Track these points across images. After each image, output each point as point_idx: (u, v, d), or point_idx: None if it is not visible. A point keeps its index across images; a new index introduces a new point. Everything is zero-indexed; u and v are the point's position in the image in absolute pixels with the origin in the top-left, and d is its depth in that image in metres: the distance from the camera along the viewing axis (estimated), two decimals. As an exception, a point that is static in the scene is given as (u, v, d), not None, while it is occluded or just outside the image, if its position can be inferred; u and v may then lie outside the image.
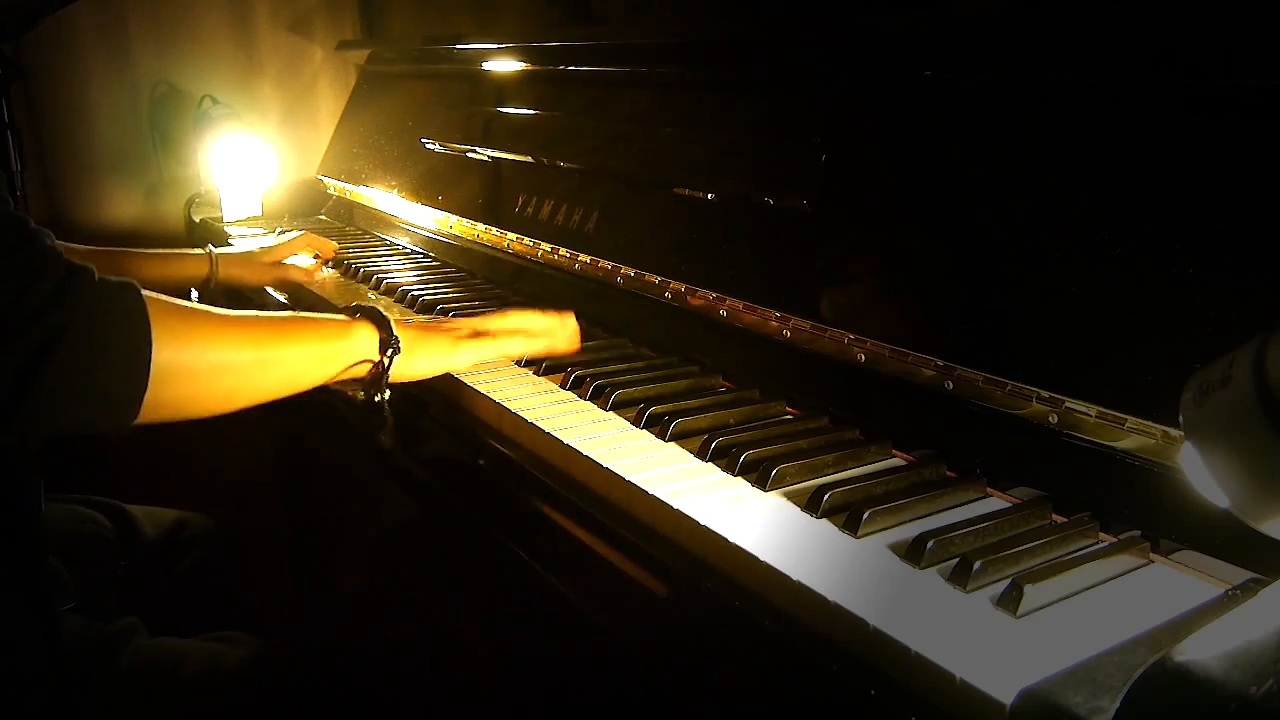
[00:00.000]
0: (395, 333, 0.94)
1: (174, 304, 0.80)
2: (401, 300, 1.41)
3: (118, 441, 2.11)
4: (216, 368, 0.81)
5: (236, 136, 2.05)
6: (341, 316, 0.96)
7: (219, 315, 0.83)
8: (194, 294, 1.50)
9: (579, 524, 0.83)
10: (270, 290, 1.56)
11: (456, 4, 2.15)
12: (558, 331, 1.08)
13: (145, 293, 0.77)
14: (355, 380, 0.95)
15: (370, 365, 0.94)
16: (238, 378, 0.83)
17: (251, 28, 2.29)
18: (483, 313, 1.09)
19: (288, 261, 1.58)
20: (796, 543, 0.69)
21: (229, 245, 1.78)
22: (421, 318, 1.07)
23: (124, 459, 2.14)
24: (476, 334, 1.03)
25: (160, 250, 1.48)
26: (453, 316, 1.10)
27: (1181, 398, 0.49)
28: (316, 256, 1.68)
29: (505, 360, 1.07)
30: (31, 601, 0.87)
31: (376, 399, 0.94)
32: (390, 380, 0.95)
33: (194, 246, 1.55)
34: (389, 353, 0.94)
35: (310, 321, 0.93)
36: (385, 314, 0.96)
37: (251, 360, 0.84)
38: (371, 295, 1.48)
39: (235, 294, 1.54)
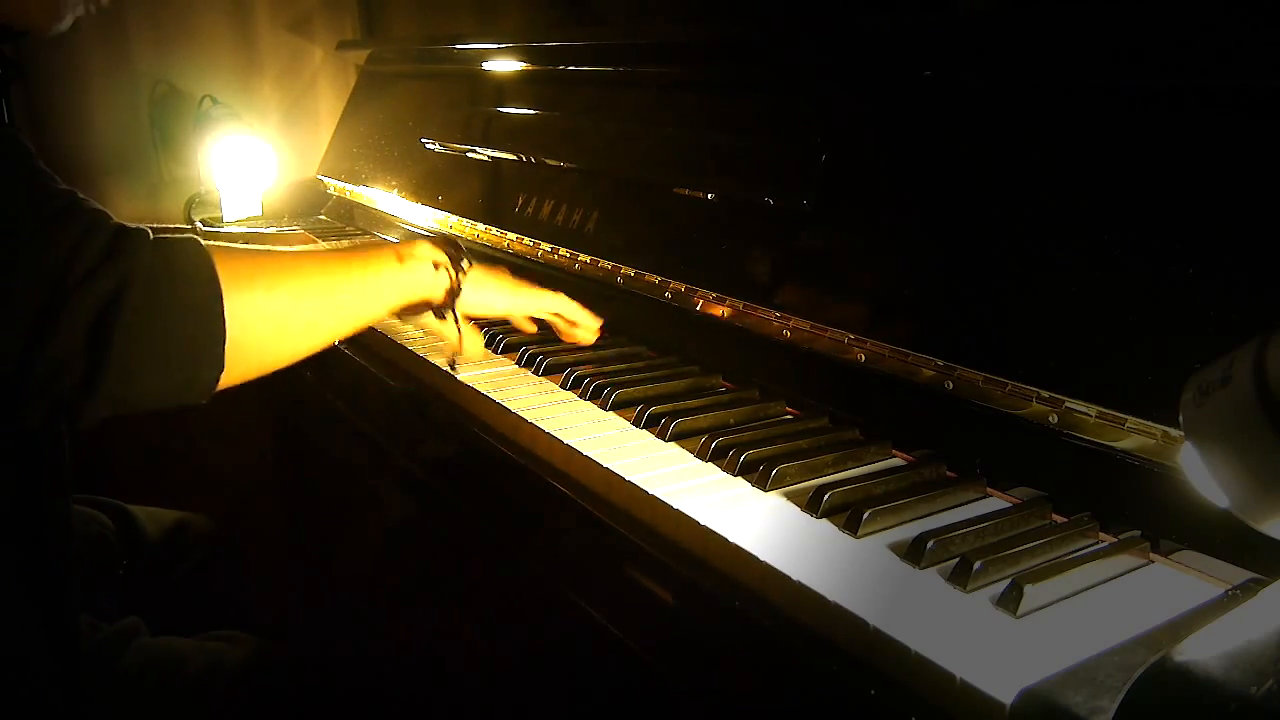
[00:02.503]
0: (464, 251, 0.97)
1: (237, 249, 0.78)
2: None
3: (118, 441, 2.12)
4: (290, 307, 0.78)
5: (236, 136, 2.05)
6: (407, 239, 0.96)
7: (282, 254, 0.82)
8: None
9: (579, 524, 0.83)
10: None
11: (456, 4, 2.15)
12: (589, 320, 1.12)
13: (206, 241, 0.74)
14: (425, 303, 0.96)
15: (445, 285, 0.95)
16: (313, 313, 0.81)
17: (251, 28, 2.29)
18: None
19: None
20: (796, 543, 0.69)
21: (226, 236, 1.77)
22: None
23: (126, 459, 2.14)
24: (540, 290, 1.06)
25: None
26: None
27: (1181, 398, 0.49)
28: None
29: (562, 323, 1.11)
30: (46, 604, 0.87)
31: (446, 315, 0.96)
32: (459, 309, 0.97)
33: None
34: (463, 263, 0.96)
35: (375, 245, 0.93)
36: (451, 235, 1.04)
37: (323, 296, 0.82)
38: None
39: None
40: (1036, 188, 0.83)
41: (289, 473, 2.21)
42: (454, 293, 0.96)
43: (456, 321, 0.97)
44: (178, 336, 0.70)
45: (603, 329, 1.23)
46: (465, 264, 0.96)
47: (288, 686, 1.09)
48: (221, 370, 0.72)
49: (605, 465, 0.82)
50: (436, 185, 1.74)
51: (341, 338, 0.87)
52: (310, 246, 0.88)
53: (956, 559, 0.65)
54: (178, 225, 1.48)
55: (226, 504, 1.61)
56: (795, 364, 0.99)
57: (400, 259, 0.91)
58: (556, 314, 1.09)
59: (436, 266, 0.95)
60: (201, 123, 2.09)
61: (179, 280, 0.70)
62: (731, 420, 0.93)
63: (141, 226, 0.71)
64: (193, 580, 1.32)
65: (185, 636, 1.08)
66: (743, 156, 1.12)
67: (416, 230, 1.79)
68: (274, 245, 1.58)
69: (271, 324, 0.77)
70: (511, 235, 1.47)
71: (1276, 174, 0.69)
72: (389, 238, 0.99)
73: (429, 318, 1.00)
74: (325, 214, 2.19)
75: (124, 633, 1.02)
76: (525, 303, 1.06)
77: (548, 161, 1.45)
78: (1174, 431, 0.68)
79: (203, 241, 0.74)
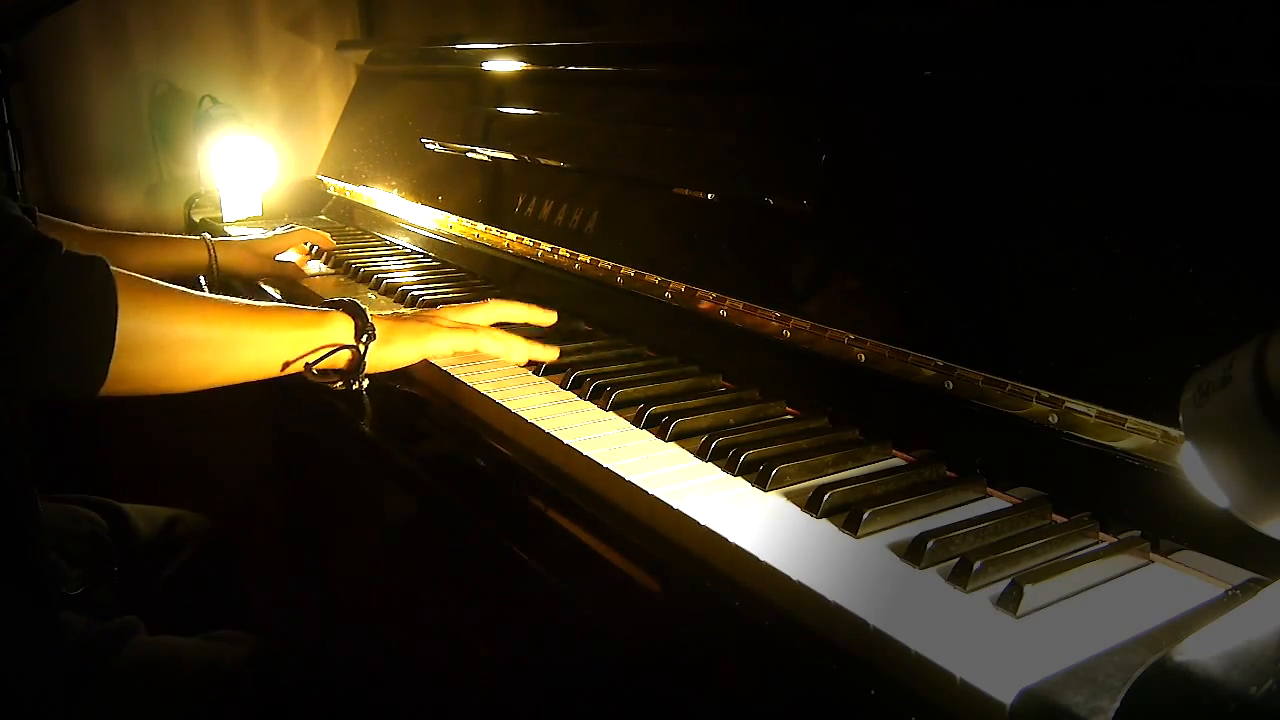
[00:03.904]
0: (370, 320, 0.97)
1: (143, 280, 0.82)
2: (401, 300, 1.41)
3: (113, 440, 2.12)
4: (184, 343, 0.83)
5: (236, 136, 2.05)
6: (322, 308, 0.98)
7: (190, 294, 0.85)
8: (202, 282, 1.53)
9: (579, 524, 0.83)
10: (265, 287, 1.57)
11: (456, 4, 2.15)
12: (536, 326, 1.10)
13: (114, 268, 0.79)
14: (335, 370, 0.97)
15: (347, 354, 0.96)
16: (206, 355, 0.85)
17: (251, 28, 2.28)
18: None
19: (282, 258, 1.60)
20: (796, 543, 0.69)
21: (225, 235, 1.80)
22: (410, 311, 1.09)
23: (120, 458, 2.14)
24: (458, 326, 1.04)
25: (158, 235, 1.50)
26: (439, 306, 1.11)
27: (1181, 398, 0.49)
28: (312, 248, 1.68)
29: (488, 356, 1.07)
30: (32, 598, 0.87)
31: (354, 387, 0.97)
32: (368, 370, 0.97)
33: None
34: (364, 339, 0.96)
35: (286, 309, 0.95)
36: (361, 304, 0.98)
37: (221, 339, 0.85)
38: (371, 295, 1.48)
39: (229, 288, 1.56)
40: (1036, 188, 0.83)
41: (288, 472, 2.21)
42: (357, 366, 0.96)
43: (364, 392, 0.97)
44: (65, 349, 0.75)
45: (603, 329, 1.23)
46: (367, 337, 0.96)
47: (286, 686, 1.09)
48: (102, 384, 0.77)
49: (605, 465, 0.82)
50: (436, 185, 1.74)
51: (234, 383, 0.90)
52: (228, 298, 0.90)
53: (956, 559, 0.65)
54: (173, 235, 1.51)
55: (225, 504, 1.61)
56: (795, 364, 0.99)
57: (302, 326, 0.93)
58: (488, 338, 1.04)
59: (342, 334, 0.95)
60: (201, 123, 2.09)
61: (77, 298, 0.75)
62: (731, 420, 0.93)
63: (55, 240, 0.76)
64: (187, 578, 1.33)
65: (182, 636, 1.08)
66: (743, 156, 1.12)
67: (415, 231, 1.79)
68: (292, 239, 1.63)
69: (161, 356, 0.81)
70: (511, 235, 1.47)
71: (1276, 174, 0.69)
72: (307, 307, 0.99)
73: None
74: (325, 214, 2.19)
75: (120, 631, 1.02)
76: (438, 345, 1.02)
77: (548, 162, 1.45)
78: (1174, 431, 0.68)
79: (111, 267, 0.78)
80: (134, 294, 0.79)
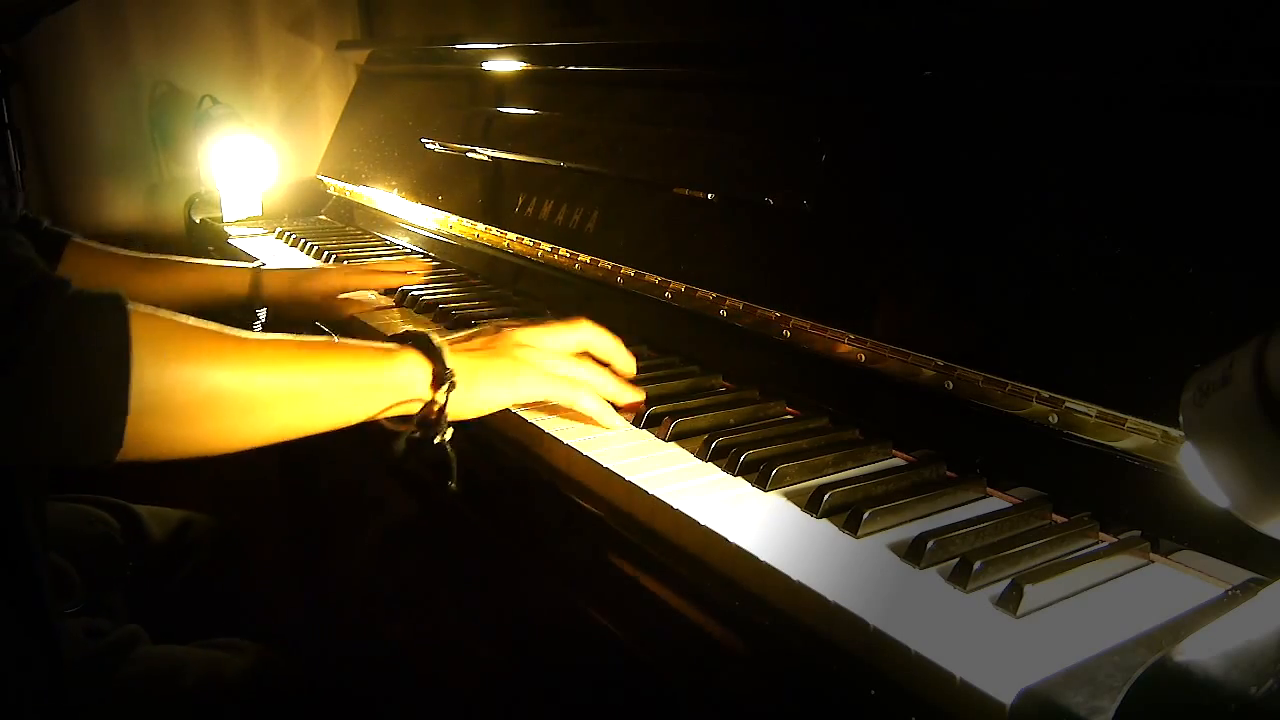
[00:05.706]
0: (448, 363, 0.81)
1: (168, 319, 0.69)
2: (401, 301, 1.41)
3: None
4: (218, 397, 0.69)
5: (236, 136, 2.05)
6: (385, 344, 0.82)
7: (226, 335, 0.72)
8: (261, 316, 1.33)
9: (579, 525, 0.83)
10: (320, 325, 1.38)
11: (456, 4, 2.15)
12: (618, 362, 0.95)
13: (135, 306, 0.66)
14: (406, 418, 0.82)
15: (420, 402, 0.81)
16: (246, 411, 0.71)
17: (251, 28, 2.29)
18: (490, 314, 1.03)
19: (346, 296, 1.38)
20: (796, 543, 0.69)
21: (226, 236, 1.69)
22: (466, 332, 0.93)
23: (132, 461, 2.13)
24: (556, 377, 0.89)
25: (202, 261, 1.35)
26: (506, 322, 0.95)
27: (1181, 398, 0.49)
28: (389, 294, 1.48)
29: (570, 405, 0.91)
30: (23, 610, 0.84)
31: (436, 441, 0.81)
32: (450, 418, 0.81)
33: (193, 246, 1.53)
34: (445, 388, 0.80)
35: (345, 348, 0.79)
36: (436, 341, 0.82)
37: (265, 390, 0.71)
38: (372, 295, 1.48)
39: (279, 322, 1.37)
40: (1036, 188, 0.83)
41: (294, 475, 2.21)
42: (437, 418, 0.81)
43: (447, 445, 0.81)
44: (72, 410, 0.63)
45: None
46: (448, 385, 0.81)
47: (287, 696, 1.08)
48: (118, 449, 0.65)
49: (605, 466, 0.82)
50: (436, 185, 1.74)
51: (281, 441, 0.75)
52: (274, 336, 0.75)
53: (956, 559, 0.65)
54: (160, 256, 1.33)
55: (232, 507, 1.61)
56: (795, 364, 0.99)
57: (363, 372, 0.78)
58: (589, 395, 0.89)
59: (415, 380, 0.81)
60: (201, 123, 2.09)
61: (82, 347, 0.63)
62: (731, 420, 0.93)
63: (62, 280, 0.65)
64: (197, 580, 1.33)
65: (190, 640, 1.08)
66: (743, 156, 1.12)
67: (415, 231, 1.79)
68: (384, 269, 1.44)
69: (188, 414, 0.68)
70: (511, 235, 1.47)
71: (1276, 174, 0.69)
72: (372, 342, 0.84)
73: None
74: (325, 214, 2.19)
75: (123, 641, 1.01)
76: (532, 391, 0.87)
77: (548, 161, 1.45)
78: (1174, 431, 0.68)
79: (129, 305, 0.66)
80: (154, 340, 0.66)
